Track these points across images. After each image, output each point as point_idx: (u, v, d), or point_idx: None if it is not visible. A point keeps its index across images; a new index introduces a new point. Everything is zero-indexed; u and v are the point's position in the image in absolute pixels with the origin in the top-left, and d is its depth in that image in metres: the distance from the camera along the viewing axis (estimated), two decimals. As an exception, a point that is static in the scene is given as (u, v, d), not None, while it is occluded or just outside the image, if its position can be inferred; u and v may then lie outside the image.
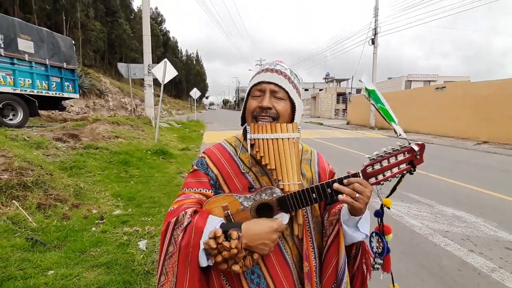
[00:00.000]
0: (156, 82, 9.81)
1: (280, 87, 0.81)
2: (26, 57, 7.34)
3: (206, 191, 0.81)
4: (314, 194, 0.73)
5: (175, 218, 0.70)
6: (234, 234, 0.66)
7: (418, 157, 0.72)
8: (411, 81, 31.23)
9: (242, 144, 0.88)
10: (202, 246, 0.66)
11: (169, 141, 8.96)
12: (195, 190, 0.81)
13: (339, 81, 43.93)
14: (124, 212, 3.28)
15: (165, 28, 59.57)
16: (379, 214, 0.81)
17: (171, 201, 3.82)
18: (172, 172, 5.34)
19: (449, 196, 4.36)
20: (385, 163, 0.72)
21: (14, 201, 2.87)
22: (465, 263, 2.51)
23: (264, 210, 0.74)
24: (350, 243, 0.83)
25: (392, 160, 0.72)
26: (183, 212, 0.70)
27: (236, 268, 0.67)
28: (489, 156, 8.14)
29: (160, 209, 3.43)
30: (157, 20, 53.99)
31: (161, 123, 10.84)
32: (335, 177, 0.79)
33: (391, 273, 0.83)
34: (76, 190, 3.55)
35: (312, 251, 0.83)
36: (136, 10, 44.10)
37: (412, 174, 0.74)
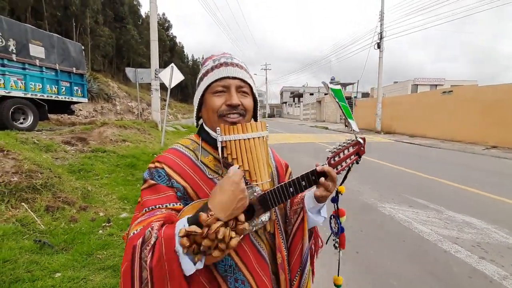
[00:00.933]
0: (162, 86, 9.93)
1: (245, 82, 0.78)
2: (37, 62, 7.52)
3: (173, 205, 0.69)
4: (291, 188, 0.75)
5: (141, 239, 0.57)
6: (203, 215, 0.58)
7: (362, 148, 0.83)
8: (417, 85, 30.93)
9: (202, 147, 0.79)
10: (180, 251, 0.57)
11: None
12: (159, 206, 0.68)
13: (344, 85, 43.78)
14: (130, 215, 3.30)
15: (172, 33, 60.46)
16: (335, 200, 0.89)
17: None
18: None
19: (458, 201, 4.28)
20: (342, 155, 0.80)
21: (23, 204, 2.91)
22: (475, 270, 2.44)
23: (245, 212, 0.72)
24: (311, 227, 0.90)
25: (346, 152, 0.81)
26: (149, 228, 0.59)
27: (234, 242, 0.60)
28: (498, 161, 7.98)
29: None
30: (164, 26, 54.85)
31: (167, 127, 10.93)
32: (289, 169, 0.95)
33: (338, 264, 0.94)
34: (84, 193, 3.59)
35: (282, 242, 0.85)
36: (144, 16, 44.91)
37: (358, 163, 0.85)
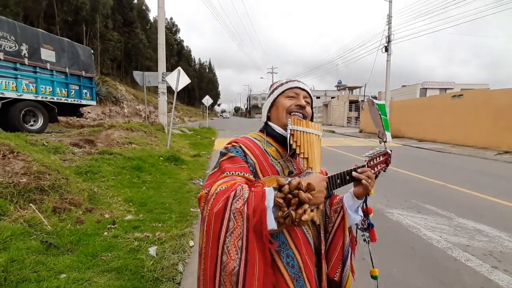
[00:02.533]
0: (169, 89, 10.03)
1: (309, 94, 1.01)
2: (48, 66, 7.68)
3: (248, 175, 0.83)
4: (338, 180, 0.92)
5: (233, 193, 0.70)
6: (295, 180, 0.69)
7: (389, 158, 1.01)
8: (426, 88, 30.53)
9: (266, 140, 0.97)
10: (270, 205, 0.68)
11: (181, 148, 9.08)
12: (238, 173, 0.82)
13: (351, 88, 43.52)
14: (135, 217, 3.31)
15: (179, 37, 61.27)
16: (364, 200, 1.01)
17: (181, 207, 3.85)
18: (183, 178, 5.38)
19: (469, 208, 4.16)
20: (375, 161, 0.99)
21: (31, 204, 2.95)
22: (488, 280, 2.36)
23: None
24: (350, 225, 1.01)
25: (378, 159, 0.99)
26: (239, 187, 0.72)
27: (311, 215, 0.68)
28: (511, 167, 7.76)
29: (171, 215, 3.44)
30: (171, 30, 55.64)
31: (173, 130, 11.02)
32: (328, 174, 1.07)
33: (371, 257, 1.08)
34: (90, 194, 3.62)
35: (323, 235, 0.98)
36: (152, 21, 45.68)
37: (385, 171, 1.03)
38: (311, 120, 1.02)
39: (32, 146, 4.56)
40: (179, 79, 7.66)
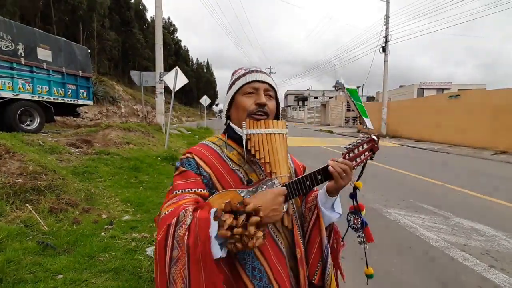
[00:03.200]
0: (167, 89, 10.00)
1: (271, 87, 0.89)
2: (44, 65, 7.64)
3: (201, 190, 0.77)
4: (308, 182, 0.81)
5: (175, 219, 0.64)
6: (247, 201, 0.64)
7: (376, 145, 0.88)
8: (423, 89, 30.69)
9: (227, 143, 0.89)
10: (213, 235, 0.61)
11: (179, 148, 9.04)
12: (188, 190, 0.76)
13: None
14: (133, 217, 3.29)
15: (177, 37, 61.09)
16: (353, 196, 0.93)
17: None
18: (181, 178, 5.35)
19: (466, 207, 4.19)
20: (356, 151, 0.86)
21: (27, 205, 2.93)
22: (485, 279, 2.37)
23: None
24: (327, 224, 0.93)
25: (360, 148, 0.87)
26: (183, 211, 0.65)
27: (258, 241, 0.62)
28: (508, 167, 7.82)
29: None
30: (169, 29, 55.48)
31: (171, 130, 10.98)
32: (307, 170, 0.95)
33: (366, 257, 0.96)
34: (87, 195, 3.60)
35: (300, 239, 0.89)
36: (149, 20, 45.50)
37: (372, 159, 0.90)
38: (277, 116, 0.92)
39: (28, 146, 4.52)
40: (177, 79, 7.63)
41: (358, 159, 0.86)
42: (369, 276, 0.99)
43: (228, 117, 0.93)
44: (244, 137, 0.82)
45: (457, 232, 3.30)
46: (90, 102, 9.71)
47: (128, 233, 2.86)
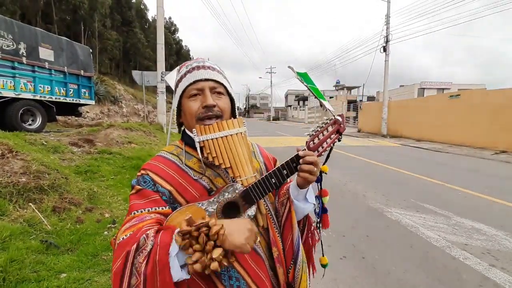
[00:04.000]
0: (168, 89, 10.00)
1: (218, 83, 0.80)
2: (46, 65, 7.65)
3: (162, 208, 0.70)
4: (273, 179, 0.76)
5: (135, 245, 0.58)
6: (213, 221, 0.57)
7: (342, 125, 0.82)
8: (424, 88, 30.64)
9: (185, 151, 0.81)
10: (173, 255, 0.57)
11: (180, 147, 9.05)
12: (148, 210, 0.69)
13: (349, 88, 43.60)
14: (135, 217, 3.30)
15: (178, 37, 61.12)
16: (318, 180, 0.88)
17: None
18: (182, 178, 5.37)
19: (467, 207, 4.20)
20: (321, 137, 0.82)
21: (30, 204, 2.95)
22: (486, 278, 2.38)
23: (230, 210, 0.73)
24: (302, 216, 0.90)
25: (325, 133, 0.82)
26: (143, 236, 0.59)
27: (214, 266, 0.56)
28: (508, 166, 7.82)
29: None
30: (170, 29, 55.48)
31: (172, 129, 11.00)
32: (278, 163, 0.87)
33: (321, 244, 0.95)
34: (90, 194, 3.61)
35: (278, 235, 0.85)
36: (150, 20, 45.51)
37: (339, 141, 0.84)
38: (233, 113, 0.85)
39: (31, 146, 4.54)
40: (178, 79, 7.64)
41: (324, 144, 0.81)
42: (324, 266, 0.95)
43: (180, 124, 0.86)
44: (197, 145, 0.74)
45: (458, 231, 3.31)
46: (92, 102, 9.73)
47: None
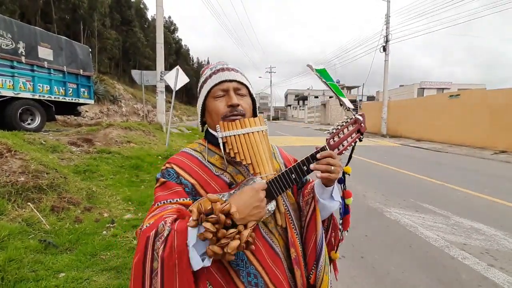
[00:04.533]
0: (168, 88, 9.99)
1: (242, 84, 0.84)
2: (45, 64, 7.64)
3: (183, 200, 0.74)
4: (293, 175, 0.77)
5: (154, 231, 0.61)
6: (217, 204, 0.60)
7: (362, 125, 0.82)
8: (423, 88, 30.64)
9: (208, 148, 0.85)
10: (191, 245, 0.59)
11: (180, 147, 9.05)
12: (170, 201, 0.73)
13: (349, 88, 43.62)
14: (134, 216, 3.30)
15: (177, 36, 61.10)
16: (341, 180, 0.88)
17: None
18: (182, 177, 5.36)
19: (466, 207, 4.20)
20: (341, 135, 0.81)
21: (29, 203, 2.94)
22: (485, 278, 2.38)
23: None
24: (327, 215, 0.90)
25: (345, 131, 0.81)
26: (162, 222, 0.62)
27: (235, 244, 0.58)
28: (508, 166, 7.83)
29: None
30: (170, 28, 55.43)
31: (172, 129, 10.99)
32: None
33: (338, 242, 0.94)
34: (89, 193, 3.61)
35: (296, 237, 0.85)
36: (150, 19, 45.47)
37: (361, 141, 0.84)
38: (254, 113, 0.88)
39: (29, 145, 4.53)
40: (178, 78, 7.64)
41: (345, 143, 0.81)
42: (331, 259, 0.94)
43: (204, 123, 0.89)
44: (220, 141, 0.78)
45: (457, 231, 3.31)
46: (91, 101, 9.72)
47: (130, 231, 2.87)
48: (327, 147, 0.80)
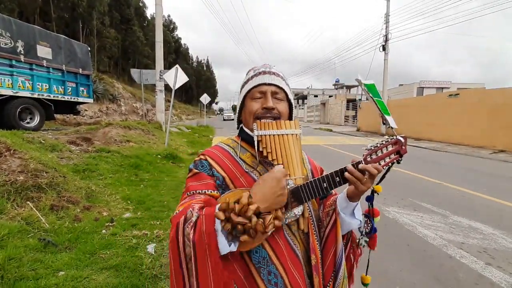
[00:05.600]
0: (167, 87, 9.99)
1: (280, 88, 0.86)
2: (44, 63, 7.63)
3: (211, 192, 0.77)
4: (325, 184, 0.78)
5: (183, 217, 0.65)
6: (244, 198, 0.64)
7: (403, 147, 0.81)
8: (423, 87, 30.70)
9: (241, 145, 0.88)
10: (219, 229, 0.62)
11: (179, 146, 9.06)
12: (199, 192, 0.77)
13: (349, 87, 43.64)
14: (133, 215, 3.31)
15: (177, 35, 60.95)
16: (370, 199, 0.89)
17: (179, 205, 3.84)
18: (181, 176, 5.37)
19: (464, 206, 4.22)
20: (380, 153, 0.80)
21: (28, 202, 2.94)
22: (482, 276, 2.40)
23: None
24: (347, 231, 0.90)
25: (384, 150, 0.80)
26: (190, 209, 0.67)
27: (270, 227, 0.64)
28: (506, 166, 7.85)
29: (169, 213, 3.44)
30: (169, 27, 55.30)
31: (171, 128, 10.99)
32: (324, 173, 0.92)
33: (368, 263, 0.92)
34: (88, 192, 3.61)
35: (317, 244, 0.86)
36: (149, 18, 45.34)
37: (399, 163, 0.82)
38: (290, 117, 0.90)
39: (29, 144, 4.53)
40: (177, 77, 7.63)
41: (382, 162, 0.79)
42: (365, 285, 0.95)
43: (240, 121, 0.93)
44: (255, 138, 0.80)
45: (455, 230, 3.33)
46: (90, 100, 9.71)
47: (129, 230, 2.88)
48: (363, 162, 0.79)
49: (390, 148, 0.81)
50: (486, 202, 4.47)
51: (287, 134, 0.81)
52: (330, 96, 41.96)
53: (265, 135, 0.80)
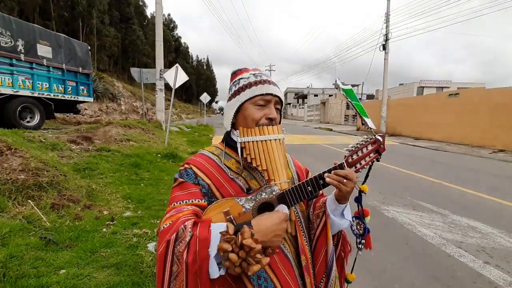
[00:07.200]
0: (167, 86, 10.00)
1: (280, 100, 0.88)
2: (44, 62, 7.63)
3: (199, 201, 0.77)
4: (309, 187, 0.79)
5: (174, 235, 0.64)
6: (246, 231, 0.64)
7: (382, 146, 0.84)
8: (423, 87, 30.70)
9: (225, 152, 0.88)
10: (212, 255, 0.63)
11: (179, 145, 9.07)
12: (186, 202, 0.76)
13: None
14: (134, 214, 3.32)
15: (177, 34, 60.87)
16: (358, 199, 0.91)
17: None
18: (181, 175, 5.38)
19: (463, 205, 4.23)
20: (360, 153, 0.83)
21: (29, 201, 2.96)
22: (480, 275, 2.41)
23: (265, 210, 0.76)
24: (337, 231, 0.92)
25: (364, 150, 0.83)
26: (182, 226, 0.65)
27: (255, 268, 0.63)
28: (505, 165, 7.87)
29: (169, 212, 3.46)
30: (169, 26, 55.21)
31: (171, 127, 11.00)
32: (310, 174, 0.96)
33: (354, 262, 0.97)
34: (89, 191, 3.62)
35: (306, 245, 0.88)
36: (149, 17, 45.29)
37: (378, 161, 0.85)
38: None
39: (29, 143, 4.54)
40: (177, 76, 7.64)
41: (362, 162, 0.83)
42: (348, 281, 0.98)
43: (233, 124, 0.88)
44: (238, 146, 0.81)
45: (454, 229, 3.35)
46: (90, 99, 9.71)
47: (130, 229, 2.89)
48: (345, 164, 0.82)
49: (370, 148, 0.83)
50: (485, 201, 4.48)
51: (270, 140, 0.81)
52: (330, 95, 41.94)
53: (248, 142, 0.80)
